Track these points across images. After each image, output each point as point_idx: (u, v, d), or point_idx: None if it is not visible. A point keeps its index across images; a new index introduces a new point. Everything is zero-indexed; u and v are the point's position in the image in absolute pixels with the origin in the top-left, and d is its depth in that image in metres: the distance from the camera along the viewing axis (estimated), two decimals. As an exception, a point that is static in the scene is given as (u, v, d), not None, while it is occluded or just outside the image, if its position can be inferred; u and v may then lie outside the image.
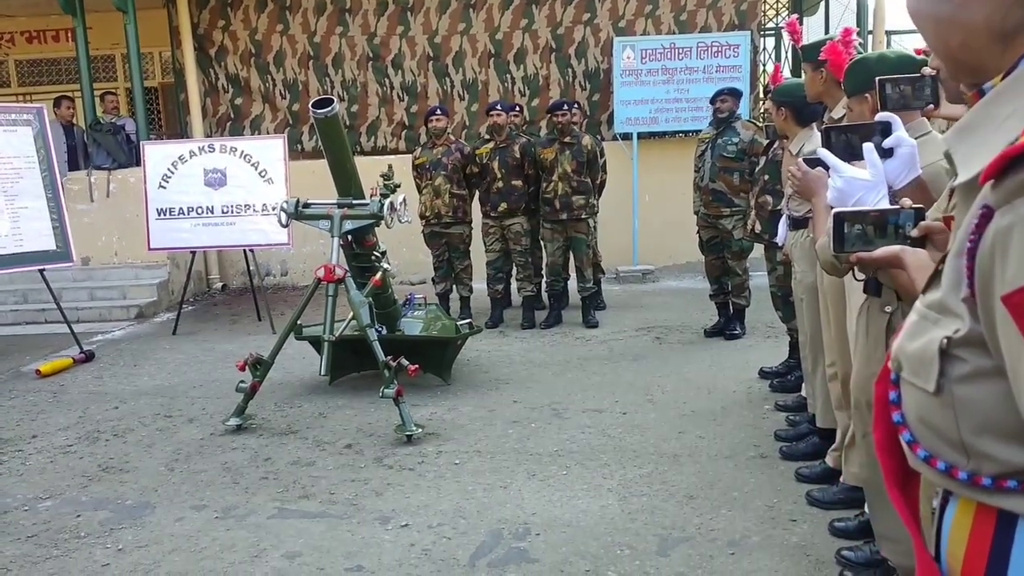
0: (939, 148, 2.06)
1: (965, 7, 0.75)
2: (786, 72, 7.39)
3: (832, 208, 2.03)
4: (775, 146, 4.78)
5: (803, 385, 4.30)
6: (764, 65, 9.75)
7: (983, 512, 0.71)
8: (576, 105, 7.05)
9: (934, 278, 0.75)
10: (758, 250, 5.60)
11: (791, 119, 3.97)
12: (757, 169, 5.27)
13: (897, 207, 1.53)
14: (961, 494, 0.72)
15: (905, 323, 0.78)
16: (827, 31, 10.20)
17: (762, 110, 8.33)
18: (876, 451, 0.82)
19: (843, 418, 3.31)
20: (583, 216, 6.49)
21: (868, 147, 1.78)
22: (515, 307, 7.03)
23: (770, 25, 10.34)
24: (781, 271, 4.72)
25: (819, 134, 3.74)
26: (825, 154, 1.86)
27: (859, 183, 1.78)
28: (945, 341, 0.69)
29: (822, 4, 10.58)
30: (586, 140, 6.54)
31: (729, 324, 6.11)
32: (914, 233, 1.47)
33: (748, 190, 5.59)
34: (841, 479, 3.31)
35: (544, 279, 6.87)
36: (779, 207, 4.25)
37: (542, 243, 6.75)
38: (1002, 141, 0.67)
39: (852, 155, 1.87)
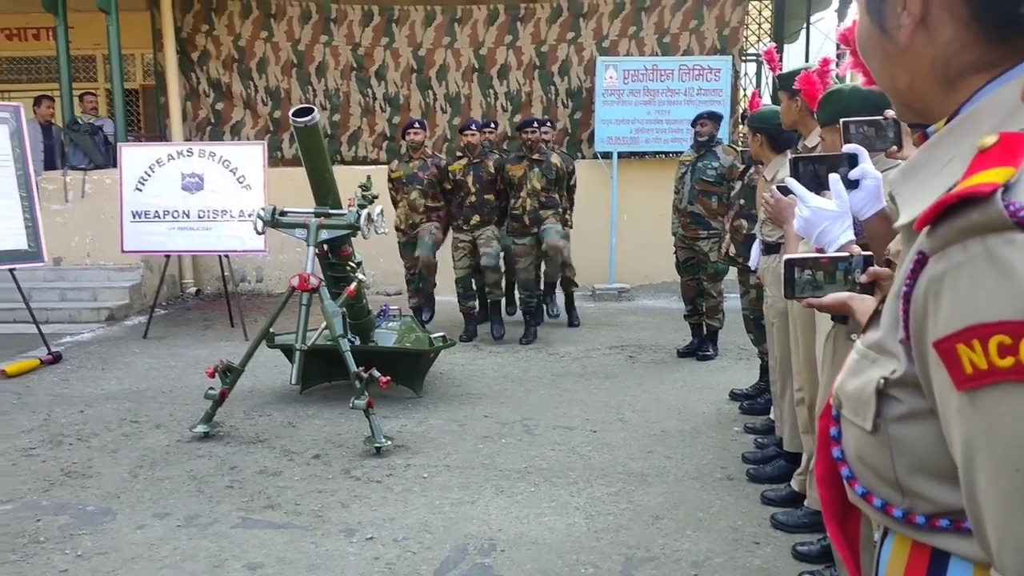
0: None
1: (911, 48, 0.76)
2: (765, 98, 7.48)
3: (800, 237, 2.08)
4: (751, 171, 4.85)
5: (772, 408, 4.34)
6: (745, 90, 9.88)
7: (918, 549, 0.72)
8: (548, 123, 7.09)
9: (874, 318, 0.76)
10: (733, 272, 5.67)
11: (766, 145, 4.03)
12: (733, 193, 5.34)
13: (847, 254, 1.57)
14: (896, 531, 0.74)
15: (846, 362, 0.79)
16: (807, 59, 10.36)
17: (740, 134, 8.44)
18: (817, 484, 0.83)
19: (809, 442, 3.34)
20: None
21: (834, 178, 1.81)
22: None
23: (752, 51, 10.48)
24: (754, 294, 4.77)
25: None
26: (792, 184, 1.89)
27: (825, 213, 1.82)
28: (882, 381, 0.71)
29: (803, 32, 10.75)
30: (555, 158, 6.61)
31: (702, 345, 6.15)
32: (863, 279, 1.50)
33: (726, 213, 5.66)
34: (805, 503, 3.34)
35: (517, 296, 6.87)
36: (753, 231, 4.30)
37: (514, 258, 6.75)
38: (942, 185, 0.69)
39: (819, 185, 1.90)
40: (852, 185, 1.91)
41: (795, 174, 1.97)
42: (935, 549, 0.70)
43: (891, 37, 0.77)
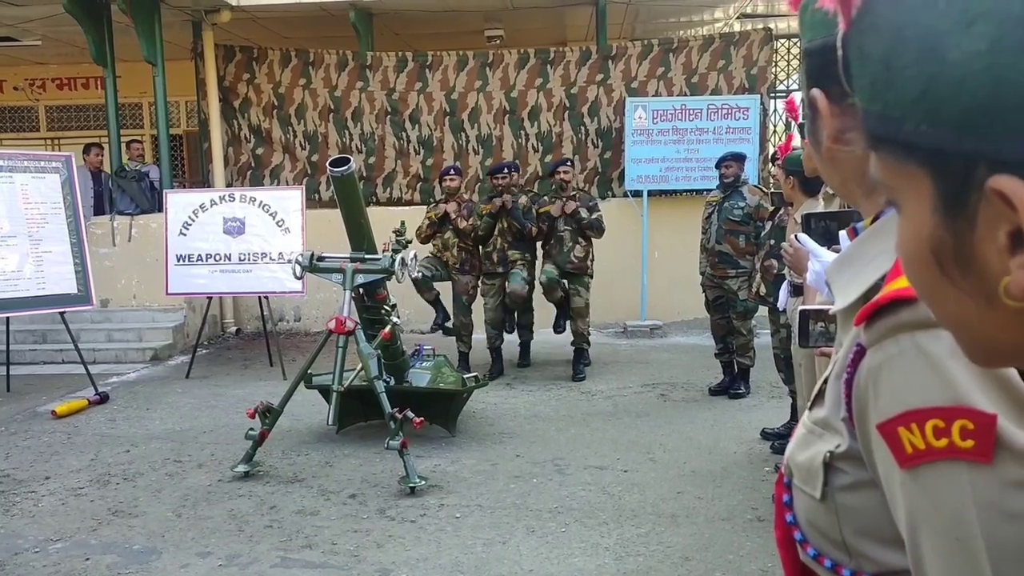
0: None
1: (835, 159, 0.89)
2: (798, 141, 7.54)
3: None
4: (781, 212, 4.93)
5: (802, 448, 4.35)
6: (775, 126, 9.94)
7: None
8: (515, 167, 7.28)
9: (818, 397, 0.83)
10: (765, 310, 5.70)
11: (798, 188, 4.13)
12: (763, 233, 5.41)
13: None
14: None
15: (794, 434, 0.87)
16: (837, 95, 10.35)
17: (770, 172, 8.49)
18: (777, 547, 0.91)
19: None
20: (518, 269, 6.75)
21: (844, 234, 1.89)
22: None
23: (781, 87, 10.55)
24: (785, 334, 4.81)
25: (821, 204, 3.89)
26: (805, 239, 1.97)
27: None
28: (828, 455, 0.78)
29: (832, 68, 10.78)
30: (522, 199, 6.80)
31: (733, 383, 6.17)
32: None
33: (753, 252, 5.73)
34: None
35: (486, 334, 7.00)
36: (783, 271, 4.36)
37: (483, 298, 6.92)
38: (870, 278, 0.78)
39: (831, 240, 1.98)
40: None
41: (807, 230, 2.06)
42: None
43: (820, 149, 0.90)
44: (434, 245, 6.88)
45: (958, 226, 0.47)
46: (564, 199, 6.66)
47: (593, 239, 6.75)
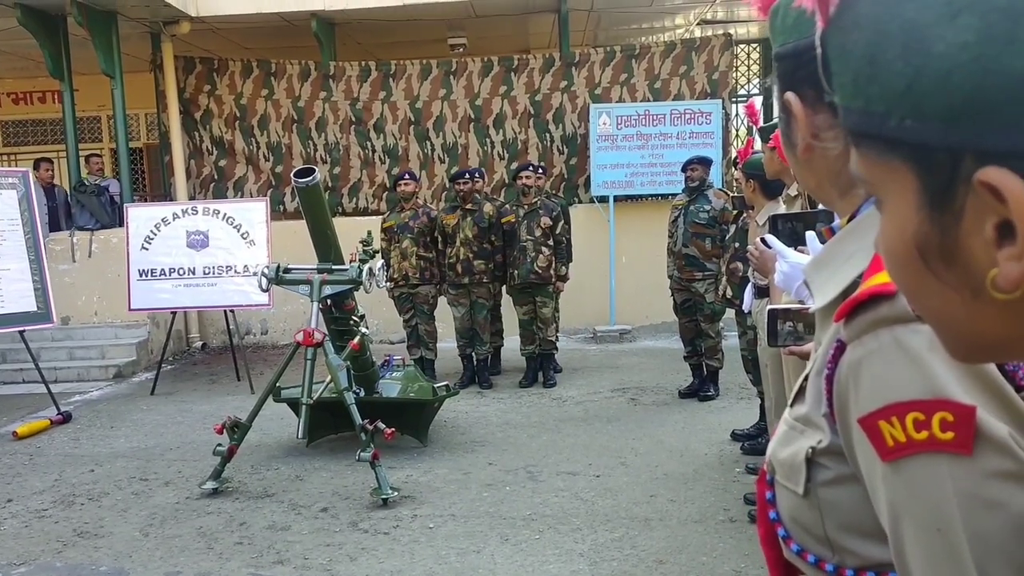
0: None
1: (811, 160, 0.89)
2: (758, 145, 7.64)
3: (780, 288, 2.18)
4: (744, 215, 4.98)
5: (772, 448, 4.39)
6: (737, 130, 10.07)
7: None
8: (479, 173, 7.24)
9: (799, 394, 0.84)
10: (732, 312, 5.76)
11: (759, 191, 4.17)
12: (728, 236, 5.46)
13: None
14: None
15: (776, 431, 0.88)
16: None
17: (733, 176, 8.59)
18: (760, 544, 0.91)
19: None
20: (484, 280, 6.68)
21: (810, 235, 1.91)
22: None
23: (742, 92, 10.69)
24: (752, 335, 4.85)
25: (782, 207, 3.94)
26: (772, 240, 2.00)
27: (802, 268, 1.92)
28: (810, 450, 0.79)
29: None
30: (487, 207, 6.77)
31: (703, 386, 6.22)
32: None
33: (720, 255, 5.79)
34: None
35: (456, 343, 6.97)
36: (748, 274, 4.41)
37: (450, 308, 6.87)
38: (848, 276, 0.80)
39: (797, 241, 2.00)
40: (828, 240, 2.02)
41: (774, 231, 2.08)
42: None
43: (795, 151, 0.90)
44: (392, 256, 6.79)
45: (944, 220, 0.47)
46: (526, 206, 6.65)
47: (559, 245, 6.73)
